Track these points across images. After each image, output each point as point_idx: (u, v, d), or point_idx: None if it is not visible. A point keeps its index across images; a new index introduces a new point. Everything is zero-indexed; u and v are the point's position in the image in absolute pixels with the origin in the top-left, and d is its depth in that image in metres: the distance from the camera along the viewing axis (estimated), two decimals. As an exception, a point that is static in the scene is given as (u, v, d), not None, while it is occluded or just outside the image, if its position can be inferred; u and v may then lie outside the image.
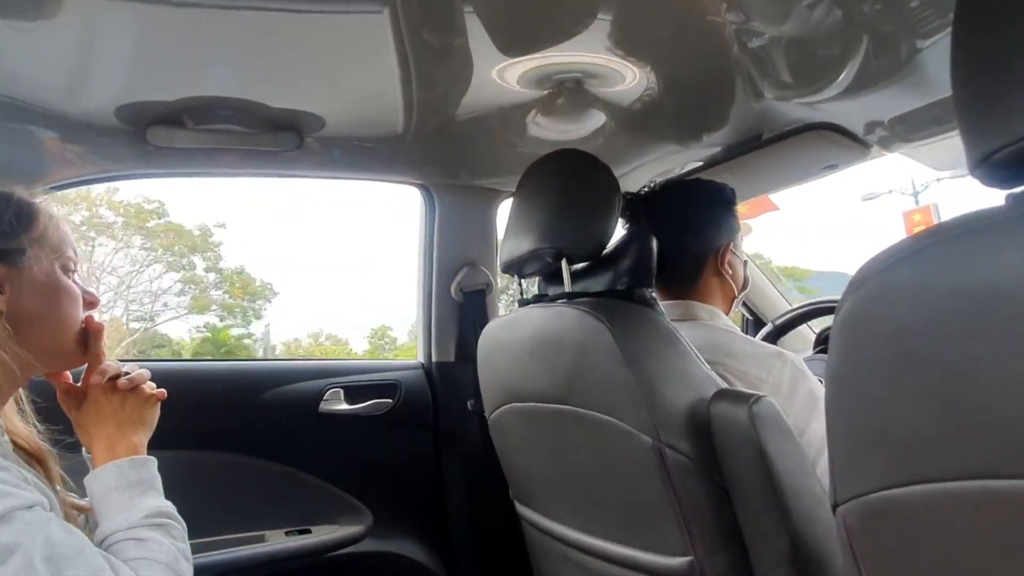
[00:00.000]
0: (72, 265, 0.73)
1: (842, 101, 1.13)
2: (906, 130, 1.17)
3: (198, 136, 1.12)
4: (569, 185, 1.02)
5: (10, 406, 0.71)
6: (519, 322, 1.04)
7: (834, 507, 0.51)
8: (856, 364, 0.47)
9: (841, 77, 1.05)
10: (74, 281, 0.74)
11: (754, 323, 1.85)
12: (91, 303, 0.75)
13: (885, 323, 0.44)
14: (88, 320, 0.74)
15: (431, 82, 1.05)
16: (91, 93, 1.01)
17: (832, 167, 1.36)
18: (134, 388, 0.76)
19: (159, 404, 0.80)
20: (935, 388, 0.42)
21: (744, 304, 1.85)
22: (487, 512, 1.47)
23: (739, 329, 1.11)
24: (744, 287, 1.18)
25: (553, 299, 1.05)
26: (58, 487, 0.72)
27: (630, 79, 1.06)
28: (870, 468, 0.47)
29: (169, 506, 0.71)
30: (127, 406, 0.76)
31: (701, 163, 1.44)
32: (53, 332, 0.71)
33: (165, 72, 0.97)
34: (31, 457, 0.70)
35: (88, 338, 0.75)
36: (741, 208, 1.89)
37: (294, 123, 1.15)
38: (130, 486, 0.70)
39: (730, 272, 1.15)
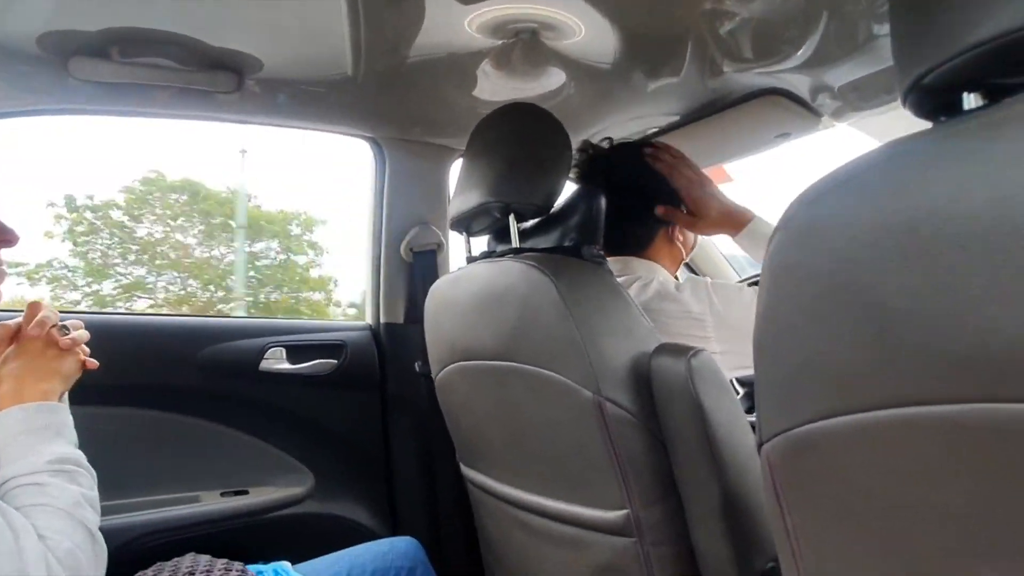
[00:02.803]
0: None
1: (796, 70, 1.13)
2: (857, 99, 1.19)
3: (125, 70, 1.04)
4: (520, 139, 1.00)
5: None
6: (465, 279, 1.02)
7: (759, 446, 0.51)
8: (784, 300, 0.46)
9: (800, 51, 1.06)
10: None
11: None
12: (5, 240, 0.70)
13: (813, 257, 0.44)
14: None
15: (380, 23, 0.99)
16: (12, 16, 0.92)
17: (784, 135, 1.37)
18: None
19: (79, 356, 0.75)
20: (863, 320, 0.41)
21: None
22: (434, 475, 1.46)
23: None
24: (691, 251, 1.22)
25: (500, 255, 1.03)
26: None
27: (584, 32, 1.04)
28: (796, 403, 0.46)
29: (78, 454, 0.68)
30: (43, 352, 0.72)
31: (656, 129, 1.44)
32: None
33: (92, -2, 0.90)
34: None
35: None
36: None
37: (232, 62, 1.08)
38: (36, 431, 0.66)
39: (681, 239, 1.17)
